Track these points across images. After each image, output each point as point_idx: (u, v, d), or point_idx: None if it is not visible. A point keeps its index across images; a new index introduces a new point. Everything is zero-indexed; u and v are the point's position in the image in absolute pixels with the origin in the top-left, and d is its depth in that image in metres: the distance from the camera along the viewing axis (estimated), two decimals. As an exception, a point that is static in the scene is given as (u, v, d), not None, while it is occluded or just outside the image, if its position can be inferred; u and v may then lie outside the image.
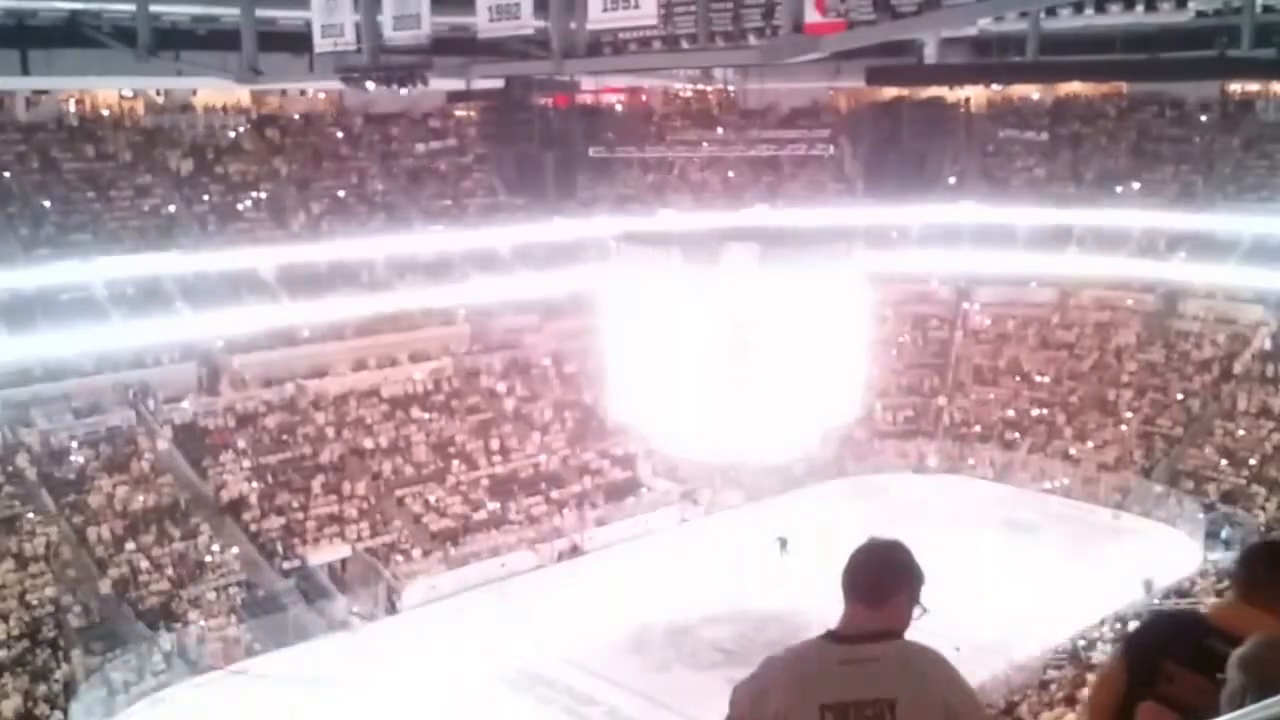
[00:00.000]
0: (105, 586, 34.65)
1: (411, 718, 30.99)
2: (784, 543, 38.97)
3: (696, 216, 49.86)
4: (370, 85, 21.79)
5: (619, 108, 55.40)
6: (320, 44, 21.57)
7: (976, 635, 31.21)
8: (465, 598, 38.06)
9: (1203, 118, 53.61)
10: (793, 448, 37.67)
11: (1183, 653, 3.81)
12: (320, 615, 36.21)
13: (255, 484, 40.06)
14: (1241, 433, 44.70)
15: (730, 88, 50.53)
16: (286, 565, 37.52)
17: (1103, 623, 31.52)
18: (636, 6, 16.84)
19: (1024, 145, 56.69)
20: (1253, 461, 43.26)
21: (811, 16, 16.20)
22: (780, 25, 17.10)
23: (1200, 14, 30.21)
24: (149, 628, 33.64)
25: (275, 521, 38.88)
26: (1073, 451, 47.23)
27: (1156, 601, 32.93)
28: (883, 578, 3.80)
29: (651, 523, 43.33)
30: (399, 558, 39.04)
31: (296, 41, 26.41)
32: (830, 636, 3.77)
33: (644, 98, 58.60)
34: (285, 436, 42.34)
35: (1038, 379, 51.06)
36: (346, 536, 39.22)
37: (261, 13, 26.56)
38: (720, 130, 56.38)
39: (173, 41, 32.12)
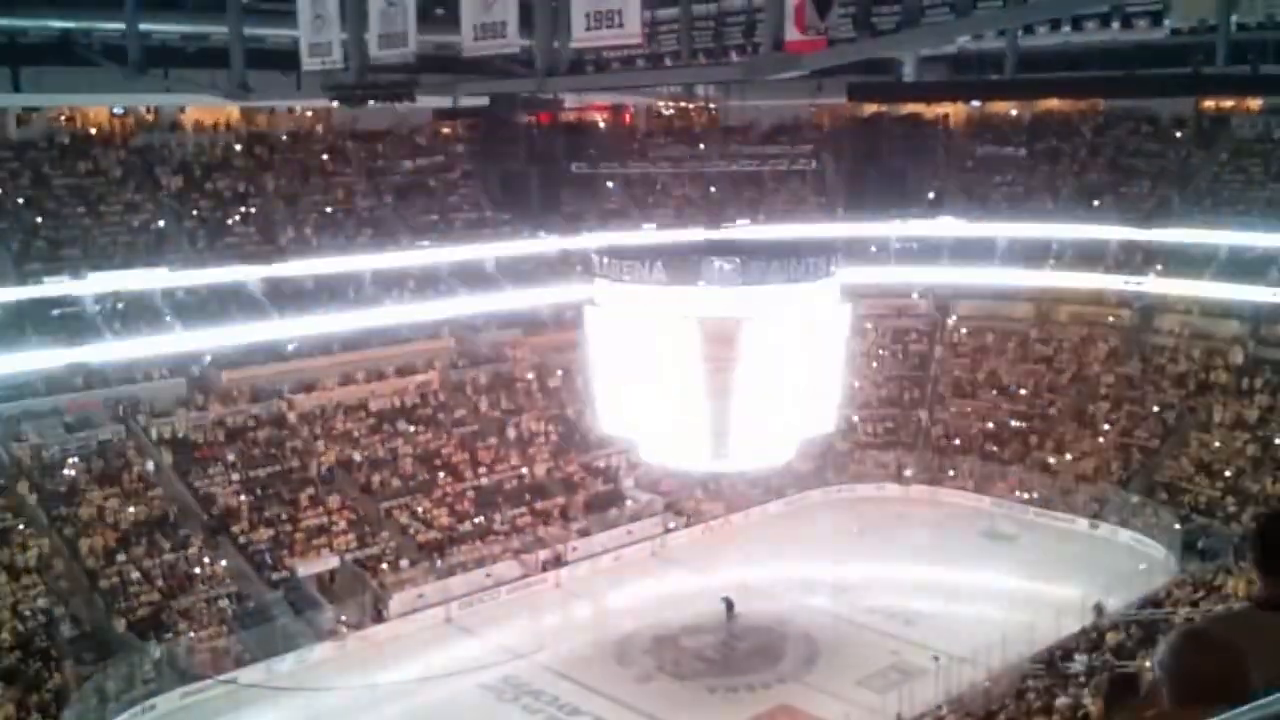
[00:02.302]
0: (96, 597, 34.96)
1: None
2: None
3: (679, 231, 50.30)
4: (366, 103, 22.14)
5: (602, 124, 55.92)
6: (308, 62, 21.83)
7: (954, 645, 31.75)
8: (451, 608, 38.44)
9: (1178, 134, 54.34)
10: (774, 459, 37.94)
11: None
12: (309, 625, 36.55)
13: (244, 496, 40.38)
14: (1217, 445, 45.20)
15: (712, 104, 50.90)
16: (275, 576, 37.86)
17: (1080, 633, 31.92)
18: (620, 25, 17.16)
19: (1002, 161, 57.36)
20: (1228, 473, 43.77)
21: (792, 35, 16.56)
22: (761, 43, 17.58)
23: (1176, 31, 30.69)
24: (139, 638, 33.91)
25: (264, 533, 39.21)
26: (1051, 463, 47.77)
27: (1133, 613, 33.36)
28: None
29: (634, 533, 43.75)
30: (386, 568, 39.41)
31: (285, 59, 26.72)
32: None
33: (627, 115, 59.12)
34: (274, 450, 42.66)
35: (1016, 391, 51.61)
36: (334, 548, 39.54)
37: (250, 31, 27.01)
38: (702, 146, 56.91)
39: (162, 59, 32.33)
